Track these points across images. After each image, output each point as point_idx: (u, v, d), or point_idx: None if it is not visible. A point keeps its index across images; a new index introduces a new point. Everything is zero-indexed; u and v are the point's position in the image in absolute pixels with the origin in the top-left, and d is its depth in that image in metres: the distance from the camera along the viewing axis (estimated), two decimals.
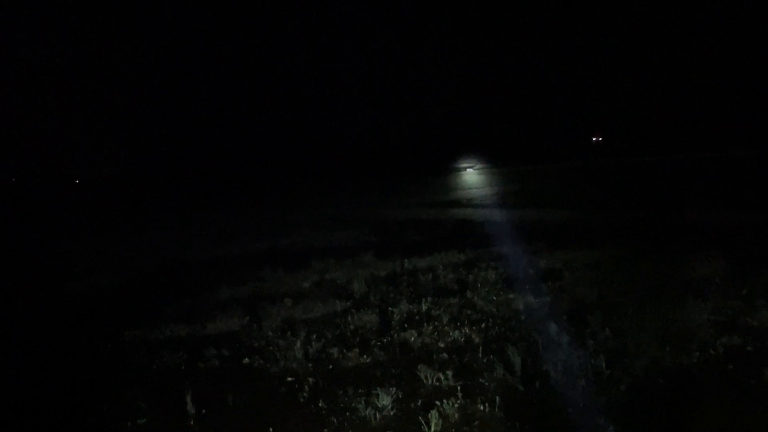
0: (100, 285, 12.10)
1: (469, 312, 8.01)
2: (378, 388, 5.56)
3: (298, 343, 7.06)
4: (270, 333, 7.75)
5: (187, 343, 7.59)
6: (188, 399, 5.64)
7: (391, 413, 5.23)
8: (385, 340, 7.16)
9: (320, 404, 5.53)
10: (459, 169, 57.11)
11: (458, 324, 7.49)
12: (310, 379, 6.13)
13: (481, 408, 5.16)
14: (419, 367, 6.06)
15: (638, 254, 10.91)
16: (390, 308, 8.43)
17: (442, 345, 6.87)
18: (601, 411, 4.94)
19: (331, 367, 6.52)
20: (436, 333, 7.25)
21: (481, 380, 5.74)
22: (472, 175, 50.93)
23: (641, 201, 20.82)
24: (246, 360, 6.90)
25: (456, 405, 5.16)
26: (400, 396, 5.52)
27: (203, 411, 5.56)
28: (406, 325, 7.62)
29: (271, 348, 7.15)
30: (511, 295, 8.62)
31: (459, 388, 5.48)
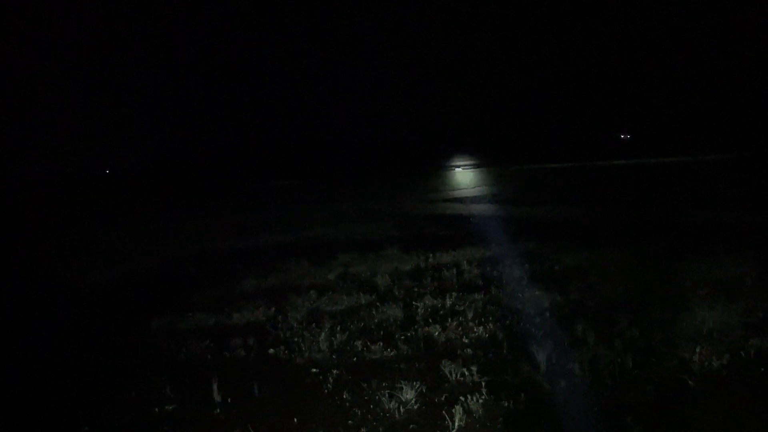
0: (130, 273, 12.32)
1: (493, 308, 7.96)
2: (402, 382, 5.57)
3: (323, 335, 7.11)
4: (295, 324, 7.80)
5: (214, 333, 7.69)
6: (215, 387, 5.72)
7: (415, 407, 5.24)
8: (409, 334, 7.16)
9: (344, 396, 5.56)
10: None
11: (483, 320, 7.46)
12: (335, 371, 6.17)
13: (506, 404, 5.14)
14: (443, 362, 6.05)
15: (667, 253, 10.73)
16: (414, 302, 8.44)
17: (466, 340, 6.85)
18: (627, 411, 4.88)
19: (355, 359, 6.55)
20: (460, 328, 7.22)
21: (505, 376, 5.71)
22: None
23: (670, 201, 20.47)
24: (271, 350, 6.96)
25: (480, 401, 5.14)
26: (424, 390, 5.52)
27: (229, 400, 5.64)
28: (430, 320, 7.60)
29: (296, 339, 7.20)
30: (537, 292, 8.55)
31: (483, 384, 5.45)
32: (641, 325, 6.68)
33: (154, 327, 8.15)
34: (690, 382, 5.38)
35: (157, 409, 5.54)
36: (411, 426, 4.94)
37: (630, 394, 5.20)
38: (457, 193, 31.02)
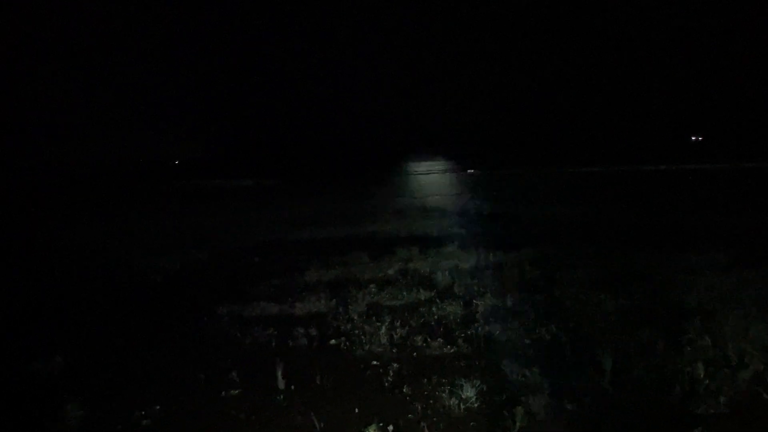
0: (196, 261, 12.79)
1: (556, 310, 7.83)
2: (462, 379, 5.57)
3: (383, 329, 7.18)
4: (356, 317, 7.91)
5: (277, 322, 7.90)
6: (278, 375, 5.89)
7: (475, 405, 5.22)
8: (469, 332, 7.14)
9: (404, 390, 5.61)
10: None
11: (544, 321, 7.34)
12: (395, 365, 6.22)
13: (569, 407, 5.06)
14: (504, 361, 6.01)
15: (743, 260, 10.22)
16: (474, 300, 8.39)
17: (527, 341, 6.77)
18: (696, 422, 4.71)
19: (415, 354, 6.58)
20: (521, 329, 7.14)
21: (568, 379, 5.61)
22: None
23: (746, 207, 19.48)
24: (333, 341, 7.09)
25: (542, 402, 5.07)
26: (485, 389, 5.49)
27: (292, 387, 5.78)
28: (491, 319, 7.55)
29: (357, 332, 7.30)
30: (601, 296, 8.33)
31: (546, 385, 5.38)
32: (713, 333, 6.40)
33: (221, 314, 8.44)
34: (765, 395, 5.14)
35: (223, 393, 5.75)
36: (471, 423, 4.94)
37: (700, 405, 5.01)
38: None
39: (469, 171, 56.94)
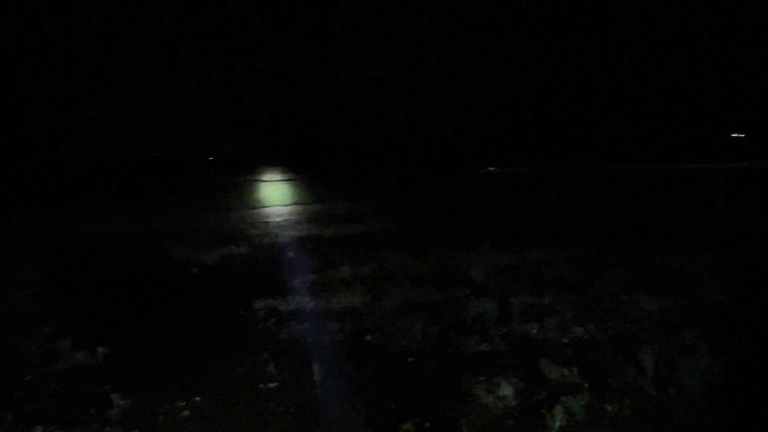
0: (234, 255, 12.96)
1: (595, 309, 7.70)
2: (499, 377, 5.52)
3: (418, 325, 7.16)
4: (390, 313, 7.92)
5: (312, 316, 7.96)
6: (315, 369, 5.93)
7: (513, 403, 5.17)
8: (505, 330, 7.08)
9: (440, 387, 5.59)
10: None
11: (583, 320, 7.24)
12: (431, 361, 6.21)
13: (609, 408, 4.97)
14: (541, 360, 5.93)
15: None
16: (510, 298, 8.31)
17: (565, 340, 6.68)
18: (744, 428, 4.58)
19: (450, 351, 6.55)
20: (559, 328, 7.05)
21: (609, 380, 5.52)
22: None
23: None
24: (368, 337, 7.11)
25: (582, 403, 4.99)
26: (522, 387, 5.44)
27: (328, 381, 5.82)
28: (527, 317, 7.47)
29: (392, 327, 7.30)
30: (642, 295, 8.16)
31: (585, 385, 5.30)
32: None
33: (257, 307, 8.53)
34: None
35: (261, 386, 5.82)
36: (509, 422, 4.89)
37: (747, 410, 4.87)
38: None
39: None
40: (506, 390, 5.31)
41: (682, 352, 5.97)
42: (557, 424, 4.73)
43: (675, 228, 14.78)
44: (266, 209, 24.66)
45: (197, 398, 5.55)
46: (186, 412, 5.29)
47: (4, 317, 8.48)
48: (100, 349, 6.84)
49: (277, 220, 20.31)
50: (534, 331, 6.95)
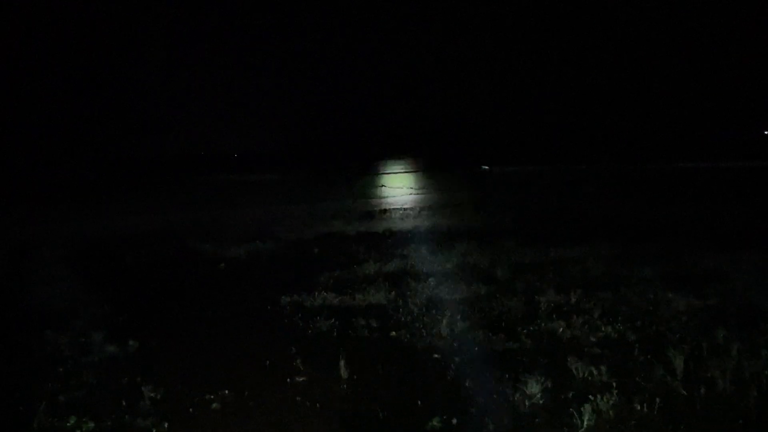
0: (261, 251, 13.10)
1: (623, 308, 7.62)
2: (526, 375, 5.50)
3: (444, 322, 7.17)
4: (415, 309, 7.93)
5: (339, 312, 8.01)
6: (341, 364, 5.97)
7: (540, 402, 5.15)
8: (531, 328, 7.04)
9: (467, 384, 5.59)
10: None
11: (611, 319, 7.16)
12: (456, 359, 6.21)
13: (638, 408, 4.92)
14: (569, 359, 5.89)
15: None
16: (536, 296, 8.26)
17: (593, 339, 6.62)
18: None
19: (476, 349, 6.55)
20: (586, 326, 6.98)
21: (637, 379, 5.46)
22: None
23: None
24: (393, 333, 7.13)
25: (611, 402, 4.95)
26: (550, 386, 5.40)
27: (355, 376, 5.86)
28: (554, 315, 7.42)
29: (417, 324, 7.32)
30: (670, 295, 8.05)
31: (614, 384, 5.25)
32: None
33: (284, 303, 8.62)
34: None
35: (288, 380, 5.88)
36: (536, 420, 4.88)
37: None
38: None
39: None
40: (534, 388, 5.28)
41: (712, 352, 5.88)
42: (585, 423, 4.69)
43: (705, 226, 14.52)
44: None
45: (226, 391, 5.63)
46: (215, 405, 5.37)
47: (37, 311, 8.70)
48: (131, 342, 6.99)
49: None
50: (561, 330, 6.90)
